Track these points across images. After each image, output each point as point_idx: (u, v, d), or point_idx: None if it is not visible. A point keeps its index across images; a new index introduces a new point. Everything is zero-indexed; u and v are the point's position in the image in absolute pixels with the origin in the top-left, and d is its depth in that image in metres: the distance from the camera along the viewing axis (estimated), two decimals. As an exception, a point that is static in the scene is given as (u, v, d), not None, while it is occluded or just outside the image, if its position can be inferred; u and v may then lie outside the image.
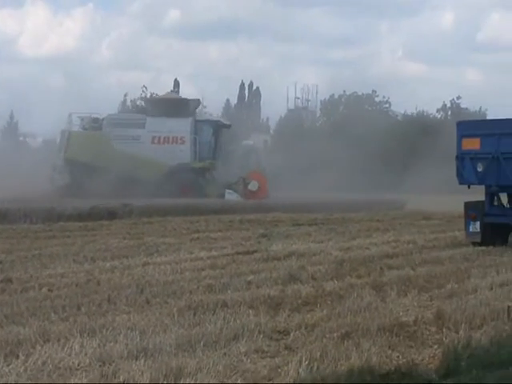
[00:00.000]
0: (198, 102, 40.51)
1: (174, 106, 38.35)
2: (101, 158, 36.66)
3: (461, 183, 19.80)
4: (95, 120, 39.23)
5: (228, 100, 75.23)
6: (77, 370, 7.93)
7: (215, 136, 38.65)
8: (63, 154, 37.94)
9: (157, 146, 37.59)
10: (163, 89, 66.18)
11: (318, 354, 8.34)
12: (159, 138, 37.78)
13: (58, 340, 8.94)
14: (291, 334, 9.43)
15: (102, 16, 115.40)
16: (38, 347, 8.63)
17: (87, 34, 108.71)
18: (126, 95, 65.47)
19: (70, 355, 8.32)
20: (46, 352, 8.38)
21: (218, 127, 38.93)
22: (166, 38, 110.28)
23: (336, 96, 71.88)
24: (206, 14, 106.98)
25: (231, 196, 35.83)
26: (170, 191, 34.65)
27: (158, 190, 34.51)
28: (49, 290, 12.17)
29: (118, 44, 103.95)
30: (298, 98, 73.13)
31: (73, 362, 8.09)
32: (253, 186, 36.83)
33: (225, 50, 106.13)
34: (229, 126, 40.33)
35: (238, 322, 9.89)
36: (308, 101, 73.36)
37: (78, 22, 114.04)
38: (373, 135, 46.05)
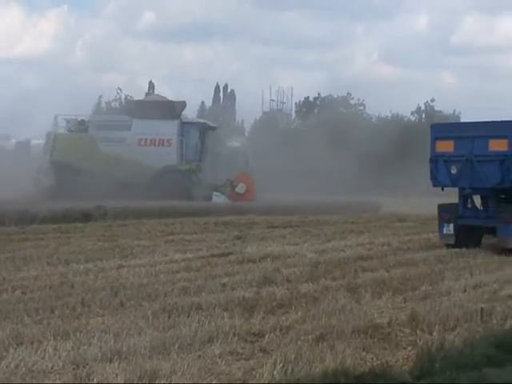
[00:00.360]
0: (183, 104, 40.40)
1: (160, 108, 38.21)
2: (87, 160, 36.45)
3: (435, 185, 19.90)
4: (81, 122, 39.07)
5: (203, 102, 75.17)
6: (50, 372, 7.89)
7: (201, 138, 38.54)
8: (49, 157, 37.72)
9: (143, 148, 37.42)
10: (138, 91, 65.94)
11: (293, 356, 8.35)
12: (145, 140, 37.61)
13: (32, 343, 8.89)
14: (266, 337, 9.44)
15: (76, 17, 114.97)
16: (11, 350, 8.57)
17: (61, 36, 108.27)
18: (100, 97, 65.24)
19: (43, 358, 8.28)
20: (19, 355, 8.33)
21: (204, 129, 38.83)
22: (140, 40, 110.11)
23: (311, 98, 72.03)
24: (181, 17, 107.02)
25: (218, 198, 35.72)
26: (156, 193, 34.42)
27: (144, 193, 34.31)
28: (22, 293, 12.10)
29: (92, 46, 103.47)
30: (273, 101, 73.11)
31: (46, 365, 8.05)
32: (240, 188, 36.77)
33: (200, 52, 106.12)
34: (215, 128, 40.24)
35: (213, 324, 9.88)
36: (283, 103, 73.38)
37: (52, 23, 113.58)
38: (348, 138, 46.17)
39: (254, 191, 37.20)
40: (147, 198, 33.16)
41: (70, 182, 34.76)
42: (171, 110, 38.40)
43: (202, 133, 38.52)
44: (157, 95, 41.37)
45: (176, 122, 37.93)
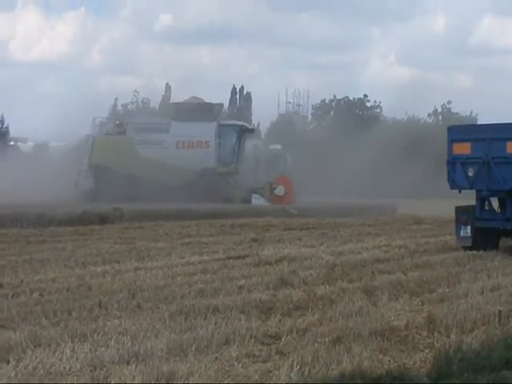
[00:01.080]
0: (221, 106, 40.38)
1: (199, 110, 38.20)
2: (125, 163, 36.53)
3: (452, 188, 19.83)
4: (119, 125, 39.17)
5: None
6: (68, 374, 7.92)
7: (239, 140, 38.50)
8: (87, 160, 37.84)
9: (181, 150, 37.39)
10: (155, 93, 66.05)
11: (310, 358, 8.35)
12: (184, 142, 37.59)
13: (49, 345, 8.93)
14: (282, 339, 9.44)
15: (93, 20, 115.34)
16: (29, 352, 8.61)
17: (78, 38, 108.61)
18: (116, 99, 65.47)
19: (61, 360, 8.31)
20: (36, 357, 8.36)
21: (241, 131, 38.78)
22: (157, 43, 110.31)
23: (327, 101, 71.95)
24: (198, 19, 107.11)
25: (258, 201, 35.64)
26: (194, 196, 34.38)
27: (182, 195, 34.34)
28: (40, 295, 12.15)
29: (109, 48, 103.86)
30: (289, 103, 73.09)
31: (64, 367, 8.08)
32: (279, 190, 36.66)
33: (216, 54, 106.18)
34: (252, 131, 40.16)
35: (230, 326, 9.89)
36: (299, 105, 73.35)
37: (69, 26, 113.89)
38: (365, 140, 46.08)
39: (293, 194, 37.04)
40: (185, 200, 33.24)
41: (109, 184, 34.81)
42: (209, 112, 38.40)
43: (239, 135, 38.46)
44: (195, 97, 41.33)
45: (214, 124, 37.89)
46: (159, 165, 36.39)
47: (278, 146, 42.46)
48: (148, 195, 33.22)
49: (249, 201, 35.67)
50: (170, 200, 32.85)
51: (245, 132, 39.02)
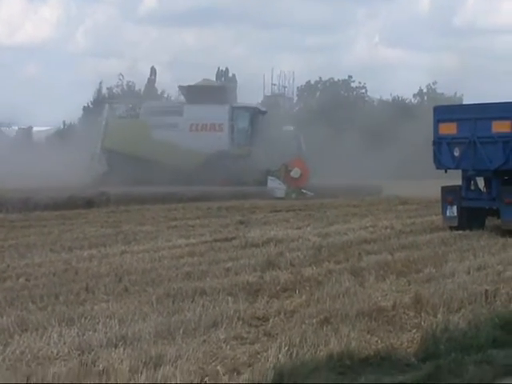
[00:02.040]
0: (234, 88, 40.18)
1: (212, 92, 37.99)
2: (139, 146, 36.37)
3: (438, 168, 19.86)
4: (132, 108, 38.98)
5: (204, 87, 74.98)
6: (56, 359, 7.90)
7: (252, 122, 38.33)
8: (101, 143, 37.62)
9: (195, 133, 37.24)
10: (139, 77, 65.72)
11: (298, 339, 8.36)
12: (197, 125, 37.42)
13: (37, 329, 8.91)
14: (270, 321, 9.45)
15: (77, 3, 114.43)
16: (16, 337, 8.59)
17: (62, 22, 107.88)
18: (101, 83, 65.09)
19: (48, 344, 8.29)
20: (24, 341, 8.35)
21: (254, 113, 38.60)
22: (142, 26, 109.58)
23: (312, 82, 71.78)
24: (183, 1, 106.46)
25: (274, 183, 35.51)
26: (207, 178, 34.30)
27: (195, 178, 34.23)
28: (26, 280, 12.12)
29: (93, 31, 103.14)
30: (275, 85, 72.65)
31: (51, 351, 8.06)
32: (295, 173, 36.51)
33: (202, 36, 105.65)
34: (265, 112, 39.92)
35: (217, 309, 9.89)
36: (285, 87, 73.05)
37: (53, 9, 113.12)
38: (349, 121, 46.08)
39: (308, 176, 36.97)
40: (199, 183, 33.26)
41: (122, 168, 34.69)
42: (222, 94, 38.23)
43: (252, 117, 38.29)
44: (207, 80, 41.09)
45: (227, 107, 37.72)
46: (173, 148, 36.31)
47: (291, 128, 42.17)
48: (161, 178, 33.20)
49: (264, 183, 35.44)
50: (184, 183, 32.86)
51: (258, 114, 38.86)
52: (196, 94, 38.04)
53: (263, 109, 39.88)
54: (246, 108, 38.96)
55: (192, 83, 40.15)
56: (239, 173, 35.64)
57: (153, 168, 34.12)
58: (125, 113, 38.79)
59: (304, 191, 34.83)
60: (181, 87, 40.81)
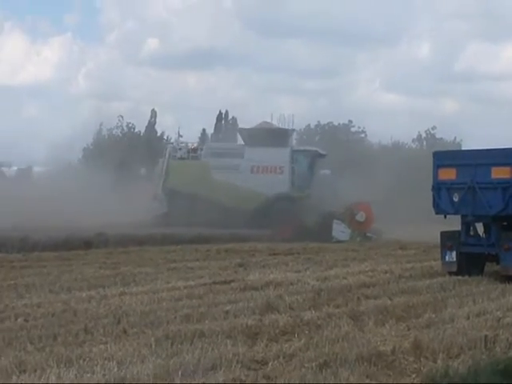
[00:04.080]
0: (293, 132, 40.51)
1: (272, 135, 38.40)
2: (200, 187, 36.58)
3: (437, 213, 19.88)
4: (194, 150, 39.31)
5: (204, 130, 75.28)
6: (54, 400, 7.87)
7: (311, 165, 38.63)
8: (162, 183, 37.89)
9: (255, 175, 37.54)
10: (140, 119, 66.12)
11: (297, 383, 8.33)
12: (258, 167, 37.75)
13: (35, 370, 8.88)
14: (269, 364, 9.42)
15: (79, 45, 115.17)
16: (15, 377, 8.57)
17: (64, 64, 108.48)
18: (101, 124, 65.37)
19: (46, 386, 8.26)
20: (22, 382, 8.31)
21: (314, 157, 38.90)
22: (143, 68, 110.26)
23: (312, 126, 72.11)
24: (184, 44, 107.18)
25: (339, 227, 35.47)
26: (267, 221, 34.43)
27: (255, 220, 34.37)
28: (25, 320, 12.09)
29: (95, 74, 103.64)
30: (275, 128, 73.11)
31: (50, 393, 8.03)
32: (360, 216, 36.54)
33: (202, 79, 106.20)
34: (324, 156, 40.21)
35: (216, 351, 9.86)
36: (285, 130, 73.36)
37: (55, 51, 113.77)
38: (349, 165, 46.18)
39: (373, 220, 36.96)
40: (258, 225, 33.47)
41: (183, 208, 34.86)
42: (283, 137, 38.61)
43: (311, 160, 38.58)
44: (266, 122, 41.48)
45: (288, 150, 38.12)
46: (234, 189, 36.55)
47: (328, 172, 42.36)
48: (223, 220, 33.38)
49: (324, 225, 35.23)
50: (245, 225, 33.11)
51: (317, 158, 39.13)
52: (256, 136, 38.43)
53: (323, 152, 40.12)
54: (306, 151, 39.32)
55: (248, 127, 40.72)
56: (300, 215, 35.67)
57: (213, 209, 34.34)
58: (185, 154, 39.16)
59: (369, 235, 34.90)
60: (241, 130, 41.33)
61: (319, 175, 39.52)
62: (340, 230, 34.88)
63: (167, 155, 39.21)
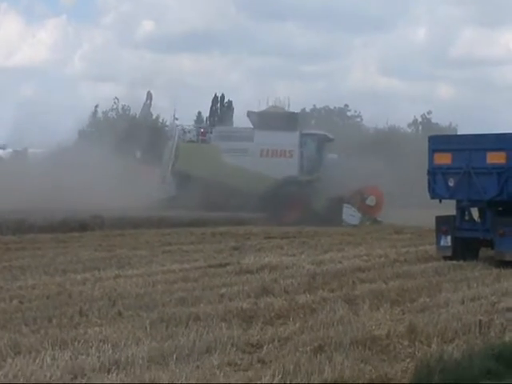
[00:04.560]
0: (303, 115, 40.40)
1: (282, 119, 38.36)
2: (210, 170, 36.54)
3: (432, 197, 19.90)
4: (203, 133, 39.24)
5: (200, 113, 75.21)
6: (48, 382, 7.87)
7: (320, 149, 38.63)
8: (171, 166, 37.82)
9: (265, 159, 37.54)
10: (135, 101, 65.91)
11: (291, 367, 8.34)
12: (267, 151, 37.75)
13: (30, 352, 8.88)
14: (264, 347, 9.43)
15: (75, 27, 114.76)
16: (9, 360, 8.56)
17: (60, 45, 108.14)
18: (96, 107, 65.23)
19: (41, 368, 8.27)
20: (17, 365, 8.32)
21: (323, 141, 38.89)
22: (139, 50, 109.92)
23: (308, 110, 72.04)
24: (180, 26, 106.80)
25: (349, 211, 35.41)
26: (276, 204, 34.56)
27: (263, 203, 34.39)
28: (20, 302, 12.09)
29: (90, 55, 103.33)
30: (270, 111, 72.98)
31: (44, 375, 8.03)
32: (371, 200, 36.44)
33: (198, 62, 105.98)
34: (332, 140, 40.21)
35: (211, 335, 9.87)
36: (280, 114, 73.23)
37: (50, 32, 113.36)
38: (345, 149, 46.16)
39: (383, 204, 36.89)
40: (267, 208, 33.58)
41: (192, 191, 34.85)
42: (292, 121, 38.57)
43: (320, 144, 38.57)
44: (276, 106, 41.41)
45: (297, 133, 38.08)
46: (244, 173, 36.50)
47: (335, 156, 42.33)
48: (232, 203, 33.41)
49: (333, 210, 35.14)
50: (255, 208, 33.10)
51: (325, 141, 39.12)
52: (266, 120, 38.40)
53: (331, 136, 40.11)
54: (314, 135, 39.26)
55: (257, 110, 40.65)
56: (308, 199, 35.71)
57: (223, 192, 34.35)
58: (195, 137, 39.09)
59: (379, 219, 34.82)
60: (250, 113, 41.24)
61: (327, 159, 39.51)
62: (350, 214, 34.85)
63: (176, 138, 39.12)
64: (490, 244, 19.08)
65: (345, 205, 35.18)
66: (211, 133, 39.45)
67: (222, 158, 37.32)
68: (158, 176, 38.13)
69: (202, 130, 39.90)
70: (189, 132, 39.53)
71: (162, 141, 42.33)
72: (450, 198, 19.57)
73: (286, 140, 37.64)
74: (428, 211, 22.81)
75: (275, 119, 38.20)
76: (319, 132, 40.30)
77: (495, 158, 18.60)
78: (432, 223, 20.22)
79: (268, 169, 36.55)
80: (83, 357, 8.71)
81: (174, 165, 37.83)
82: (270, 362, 8.78)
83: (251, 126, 39.53)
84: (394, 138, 57.51)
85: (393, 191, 38.47)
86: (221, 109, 77.62)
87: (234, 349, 9.29)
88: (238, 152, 37.38)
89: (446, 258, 19.04)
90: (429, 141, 20.11)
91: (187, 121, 61.60)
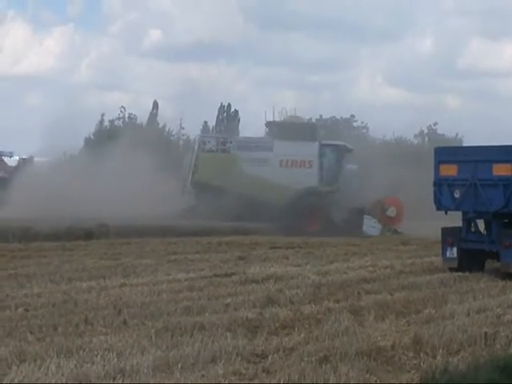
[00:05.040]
0: (322, 126, 40.43)
1: (301, 129, 38.38)
2: (230, 180, 36.52)
3: (438, 209, 19.87)
4: (223, 142, 39.25)
5: (206, 122, 75.23)
6: (54, 390, 7.88)
7: (339, 160, 38.63)
8: (191, 176, 37.82)
9: (284, 169, 37.50)
10: (142, 110, 65.98)
11: (296, 377, 8.35)
12: (287, 161, 37.74)
13: (35, 360, 8.89)
14: (269, 358, 9.43)
15: (82, 35, 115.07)
16: (14, 367, 8.57)
17: (67, 53, 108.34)
18: (103, 115, 65.35)
19: (46, 375, 8.28)
20: (22, 372, 8.33)
21: (342, 151, 38.90)
22: (146, 59, 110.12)
23: (314, 120, 72.06)
24: (187, 36, 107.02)
25: (370, 222, 35.36)
26: (295, 215, 34.50)
27: (283, 214, 34.40)
28: (25, 310, 12.11)
29: (97, 64, 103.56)
30: (276, 122, 73.01)
31: (49, 382, 8.03)
32: (391, 212, 36.35)
33: (204, 72, 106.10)
34: (351, 151, 40.23)
35: (216, 344, 9.87)
36: (286, 124, 73.23)
37: (58, 40, 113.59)
38: (350, 160, 46.17)
39: (403, 215, 36.81)
40: (286, 219, 33.49)
41: (212, 201, 34.82)
42: (312, 131, 38.58)
43: (340, 154, 38.58)
44: (295, 116, 41.42)
45: (317, 144, 38.10)
46: (264, 183, 36.47)
47: (354, 167, 42.30)
48: (251, 213, 33.41)
49: (352, 220, 35.08)
50: (274, 218, 33.07)
51: (345, 152, 39.11)
52: (285, 130, 38.41)
53: (350, 147, 40.10)
54: (334, 145, 39.25)
55: (276, 120, 40.67)
56: (328, 210, 35.67)
57: (241, 202, 34.32)
58: (215, 147, 39.08)
59: (399, 230, 34.76)
60: (269, 123, 41.28)
61: (346, 170, 39.46)
62: (370, 225, 34.74)
63: (196, 147, 39.13)
64: (495, 256, 19.03)
65: (365, 216, 35.08)
66: (231, 142, 39.39)
67: (241, 167, 37.29)
68: (177, 186, 38.06)
69: (222, 140, 39.83)
70: (208, 142, 39.46)
71: (171, 150, 42.27)
72: (456, 209, 19.54)
73: (306, 150, 37.56)
74: (434, 222, 22.77)
75: (295, 129, 38.16)
76: (339, 142, 40.26)
77: (501, 170, 18.57)
78: (438, 235, 20.19)
79: (288, 179, 36.43)
80: (88, 365, 8.72)
81: (193, 174, 37.77)
82: (275, 372, 8.77)
83: (261, 136, 39.53)
84: (409, 148, 57.50)
85: (412, 202, 38.44)
86: (227, 118, 77.66)
87: (239, 358, 9.29)
88: (258, 162, 37.30)
89: (451, 269, 18.99)
90: (435, 152, 20.10)
91: (194, 130, 61.69)
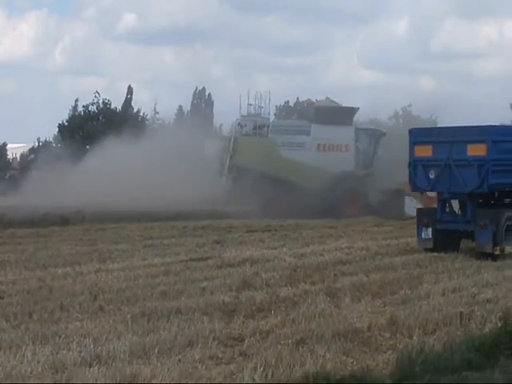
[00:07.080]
0: (357, 110, 40.43)
1: (338, 113, 38.30)
2: (268, 164, 36.33)
3: (413, 190, 19.97)
4: (260, 126, 39.00)
5: (181, 107, 74.99)
6: (29, 377, 7.85)
7: (374, 144, 38.62)
8: (229, 160, 37.51)
9: (321, 153, 37.47)
10: (117, 94, 65.76)
11: (273, 360, 8.35)
12: (324, 145, 37.70)
13: (10, 348, 8.85)
14: (246, 341, 9.43)
15: (56, 20, 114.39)
16: (-11, 355, 8.51)
17: (41, 39, 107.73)
18: (77, 101, 64.92)
19: (22, 363, 8.24)
20: (-3, 360, 8.28)
21: (377, 135, 38.89)
22: (120, 43, 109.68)
23: (291, 103, 72.04)
24: (162, 20, 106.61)
25: (411, 203, 35.29)
26: (332, 198, 34.45)
27: (320, 197, 34.31)
28: (0, 297, 12.02)
29: (71, 49, 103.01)
30: (251, 105, 72.90)
31: (25, 370, 8.01)
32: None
33: (179, 55, 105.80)
34: (385, 134, 40.23)
35: (193, 328, 9.86)
36: (261, 107, 73.14)
37: (31, 26, 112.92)
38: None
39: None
40: (323, 202, 33.47)
41: (249, 185, 34.59)
42: (348, 115, 38.51)
43: (374, 139, 38.58)
44: (330, 101, 41.28)
45: (353, 128, 38.09)
46: (301, 167, 36.43)
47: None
48: (289, 198, 33.30)
49: (393, 202, 35.08)
50: (311, 203, 32.92)
51: (379, 136, 39.13)
52: (323, 114, 38.37)
53: (384, 131, 40.14)
54: (369, 129, 39.35)
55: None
56: (365, 193, 35.70)
57: (279, 186, 34.24)
58: (251, 131, 38.84)
59: None
60: (308, 107, 41.07)
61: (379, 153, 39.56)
62: (412, 206, 34.80)
63: (234, 131, 38.95)
64: (470, 236, 19.14)
65: (407, 197, 35.15)
66: (268, 127, 39.25)
67: (279, 152, 37.23)
68: (214, 170, 37.80)
69: (259, 124, 39.63)
70: (245, 126, 39.23)
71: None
72: (431, 190, 19.66)
73: (343, 134, 37.70)
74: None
75: (332, 113, 38.19)
76: (373, 127, 40.39)
77: (476, 150, 18.64)
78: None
79: (325, 163, 36.52)
80: (64, 351, 8.68)
81: (231, 159, 37.54)
82: (252, 355, 8.78)
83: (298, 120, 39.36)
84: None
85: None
86: (201, 102, 77.48)
87: (216, 342, 9.29)
88: (295, 146, 37.35)
89: (427, 250, 19.08)
90: (409, 133, 20.14)
91: (168, 115, 61.47)
